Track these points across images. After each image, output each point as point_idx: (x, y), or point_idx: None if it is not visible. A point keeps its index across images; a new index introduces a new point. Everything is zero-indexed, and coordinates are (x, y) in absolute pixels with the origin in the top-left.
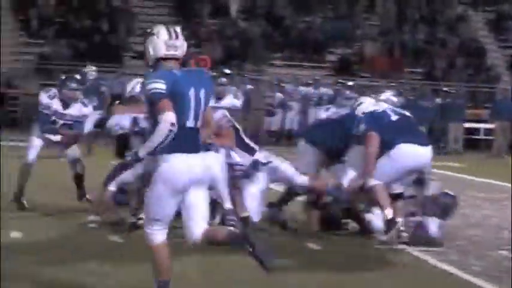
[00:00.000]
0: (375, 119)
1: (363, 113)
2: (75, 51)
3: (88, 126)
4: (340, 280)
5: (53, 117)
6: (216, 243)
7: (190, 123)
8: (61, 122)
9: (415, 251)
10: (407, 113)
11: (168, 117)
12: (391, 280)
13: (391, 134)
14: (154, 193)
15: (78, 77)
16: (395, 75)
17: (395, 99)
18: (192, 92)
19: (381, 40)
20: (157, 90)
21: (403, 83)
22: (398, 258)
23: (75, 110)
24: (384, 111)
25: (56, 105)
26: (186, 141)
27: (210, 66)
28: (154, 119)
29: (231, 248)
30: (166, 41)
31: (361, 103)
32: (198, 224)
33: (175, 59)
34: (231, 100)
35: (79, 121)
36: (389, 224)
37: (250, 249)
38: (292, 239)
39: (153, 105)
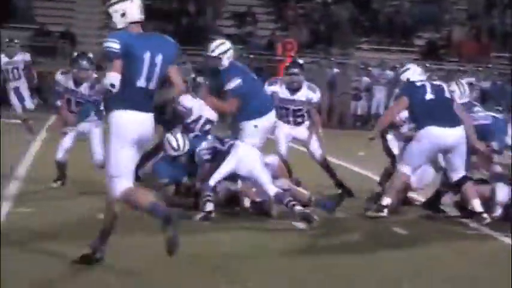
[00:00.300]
0: (412, 89)
1: (408, 79)
2: (162, 33)
3: None
4: (420, 264)
5: (66, 95)
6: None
7: (141, 83)
8: (73, 99)
9: (501, 237)
10: (448, 93)
11: (111, 79)
12: (474, 266)
13: (420, 110)
14: (111, 149)
15: (90, 55)
16: (483, 59)
17: (467, 80)
18: (147, 55)
19: (469, 24)
20: (111, 49)
21: (490, 68)
22: (484, 243)
23: (83, 88)
24: (423, 86)
25: (69, 82)
26: (136, 99)
27: (296, 49)
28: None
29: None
30: (140, 5)
31: (407, 69)
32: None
33: (142, 22)
34: (307, 93)
35: (89, 101)
36: (381, 207)
37: (164, 225)
38: (380, 223)
39: (107, 60)
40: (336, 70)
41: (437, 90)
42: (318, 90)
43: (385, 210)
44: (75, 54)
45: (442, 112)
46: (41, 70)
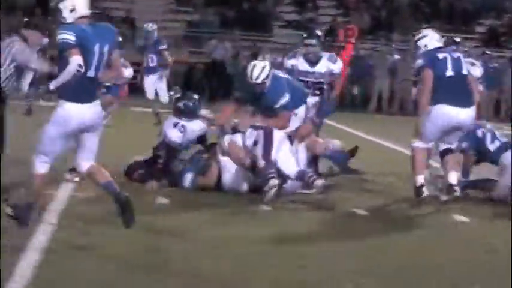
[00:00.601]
0: (435, 62)
1: (425, 46)
2: (223, 19)
3: (150, 91)
4: (478, 254)
5: None
6: (95, 183)
7: (91, 73)
8: None
9: None
10: (465, 69)
11: (77, 60)
12: None
13: (437, 85)
14: (47, 131)
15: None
16: None
17: None
18: (97, 47)
19: None
20: (67, 41)
21: None
22: None
23: None
24: (445, 60)
25: None
26: (84, 90)
27: (357, 36)
28: (63, 64)
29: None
30: (86, 0)
31: (424, 36)
32: (85, 158)
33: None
34: (327, 64)
35: (116, 83)
36: (418, 190)
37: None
38: (439, 209)
39: (62, 52)
40: (396, 56)
41: (457, 66)
42: (338, 60)
43: (424, 189)
44: None
45: (458, 90)
46: None
